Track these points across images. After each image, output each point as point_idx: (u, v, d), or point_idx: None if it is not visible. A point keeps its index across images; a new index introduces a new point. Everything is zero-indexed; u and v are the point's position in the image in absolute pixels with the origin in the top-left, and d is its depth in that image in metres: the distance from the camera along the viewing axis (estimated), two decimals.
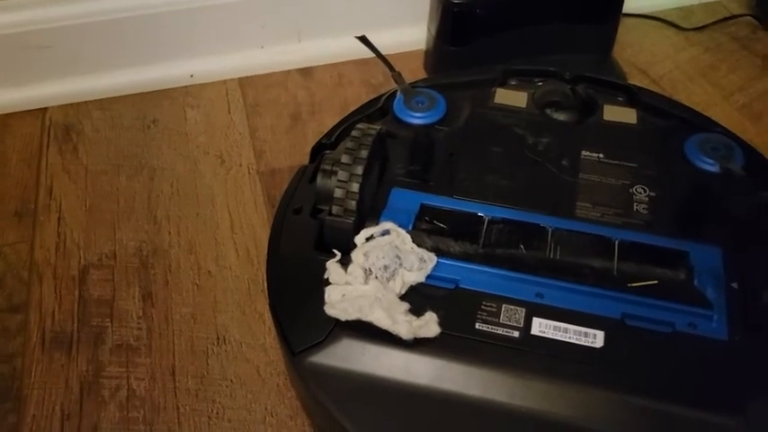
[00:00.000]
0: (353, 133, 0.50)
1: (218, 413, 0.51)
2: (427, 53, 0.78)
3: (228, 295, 0.58)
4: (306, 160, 0.58)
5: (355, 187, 0.47)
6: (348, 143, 0.49)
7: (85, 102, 0.75)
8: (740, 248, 0.48)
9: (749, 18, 0.85)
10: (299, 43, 0.79)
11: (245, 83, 0.77)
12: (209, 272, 0.60)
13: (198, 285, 0.59)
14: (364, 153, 0.48)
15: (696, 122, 0.59)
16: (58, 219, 0.64)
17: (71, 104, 0.75)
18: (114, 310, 0.57)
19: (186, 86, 0.76)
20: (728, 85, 0.77)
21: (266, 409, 0.51)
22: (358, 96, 0.75)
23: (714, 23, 0.84)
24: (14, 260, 0.61)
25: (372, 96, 0.62)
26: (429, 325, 0.43)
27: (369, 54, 0.61)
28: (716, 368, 0.43)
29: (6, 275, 0.59)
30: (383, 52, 0.62)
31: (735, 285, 0.46)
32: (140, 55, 0.75)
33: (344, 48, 0.77)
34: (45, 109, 0.74)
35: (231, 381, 0.53)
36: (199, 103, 0.75)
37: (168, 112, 0.74)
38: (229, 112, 0.74)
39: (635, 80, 0.77)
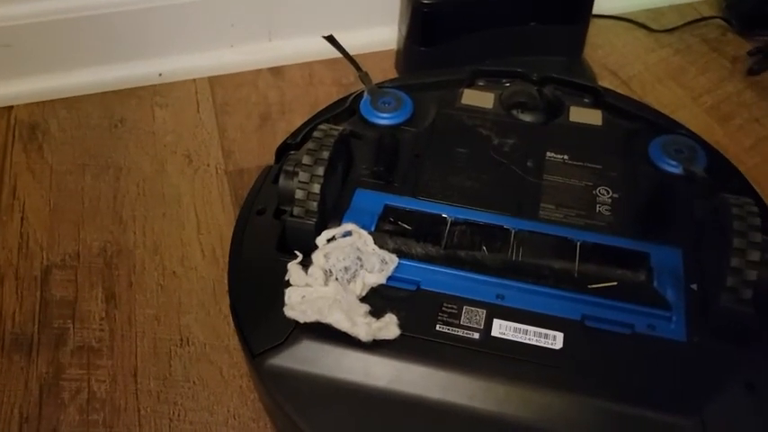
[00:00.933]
0: (315, 134, 0.49)
1: (179, 415, 0.50)
2: (398, 53, 0.78)
3: (193, 296, 0.58)
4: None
5: (316, 188, 0.47)
6: (310, 144, 0.49)
7: (51, 100, 0.74)
8: (700, 250, 0.49)
9: (719, 20, 0.86)
10: (269, 42, 0.79)
11: (214, 82, 0.77)
12: (174, 272, 0.59)
13: (162, 286, 0.58)
14: (326, 154, 0.48)
15: (661, 124, 0.59)
16: (21, 219, 0.63)
17: (37, 103, 0.74)
18: (77, 312, 0.56)
19: (154, 85, 0.76)
20: (697, 87, 0.78)
21: (229, 411, 0.51)
22: (329, 96, 0.75)
23: (684, 25, 0.85)
24: None
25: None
26: (389, 327, 0.43)
27: (340, 54, 0.61)
28: (674, 369, 0.43)
29: None
30: (354, 52, 0.61)
31: (694, 287, 0.47)
32: (108, 53, 0.75)
33: (316, 47, 0.76)
34: (10, 107, 0.73)
35: (194, 382, 0.52)
36: (167, 102, 0.74)
37: (136, 111, 0.73)
38: (198, 112, 0.73)
39: (605, 81, 0.77)
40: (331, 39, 0.61)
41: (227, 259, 0.57)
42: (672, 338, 0.44)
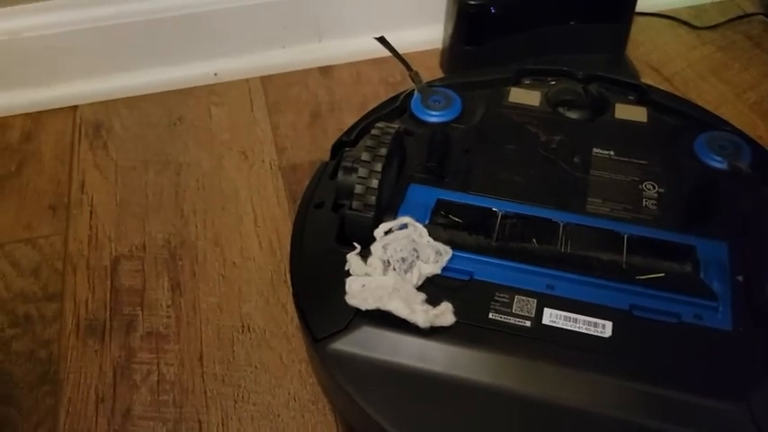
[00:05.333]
0: (373, 131, 0.52)
1: (243, 397, 0.53)
2: (443, 52, 0.80)
3: (252, 286, 0.61)
4: (325, 156, 0.60)
5: (375, 183, 0.49)
6: (368, 141, 0.51)
7: (114, 100, 0.78)
8: (746, 243, 0.50)
9: (762, 17, 0.86)
10: (319, 43, 0.82)
11: (266, 81, 0.80)
12: (234, 263, 0.62)
13: (223, 276, 0.61)
14: (383, 150, 0.50)
15: (706, 121, 0.60)
16: (90, 212, 0.67)
17: (100, 103, 0.78)
18: (144, 300, 0.60)
19: (210, 85, 0.79)
20: (740, 83, 0.78)
21: (289, 393, 0.54)
22: (376, 94, 0.77)
23: (727, 22, 0.85)
24: (49, 252, 0.64)
25: (390, 94, 0.64)
26: (445, 314, 0.46)
27: (387, 53, 0.63)
28: (720, 357, 0.44)
29: (42, 266, 0.62)
30: (400, 51, 0.64)
31: (740, 278, 0.48)
32: (166, 55, 0.78)
33: (363, 47, 0.79)
34: (75, 107, 0.77)
35: (255, 367, 0.55)
36: (223, 101, 0.78)
37: (193, 109, 0.77)
38: (252, 110, 0.77)
39: (647, 78, 0.78)
40: (382, 40, 0.63)
41: (283, 251, 0.60)
42: (718, 328, 0.46)
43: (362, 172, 0.50)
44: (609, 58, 0.78)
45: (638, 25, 0.82)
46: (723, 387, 0.43)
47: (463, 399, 0.44)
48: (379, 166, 0.49)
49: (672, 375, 0.44)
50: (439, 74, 0.79)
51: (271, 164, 0.71)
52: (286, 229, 0.64)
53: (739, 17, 0.86)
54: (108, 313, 0.59)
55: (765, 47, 0.83)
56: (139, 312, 0.59)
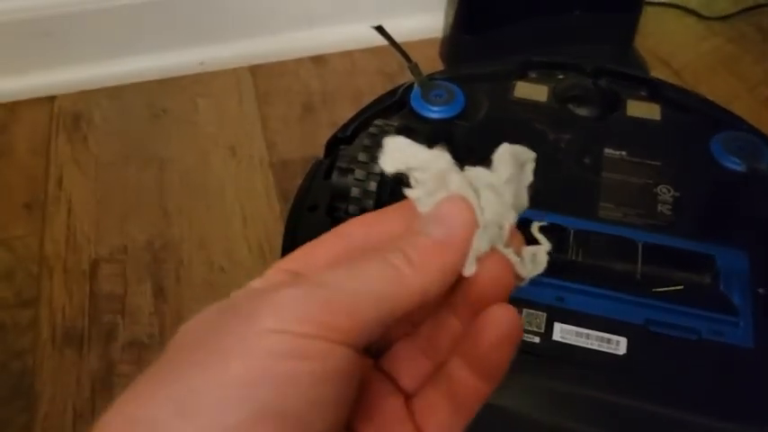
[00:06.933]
0: (371, 130, 0.48)
1: None
2: (443, 41, 0.77)
3: None
4: (318, 152, 0.56)
5: (373, 186, 0.46)
6: (365, 141, 0.47)
7: (94, 90, 0.74)
8: (766, 252, 0.47)
9: None
10: (311, 30, 0.78)
11: (256, 71, 0.76)
12: (222, 267, 0.59)
13: (210, 281, 0.58)
14: None
15: (722, 119, 0.57)
16: (68, 211, 0.63)
17: (80, 92, 0.74)
18: (126, 306, 0.56)
19: (196, 74, 0.75)
20: (752, 78, 0.75)
21: None
22: (372, 85, 0.74)
23: (738, 13, 0.82)
24: (24, 254, 0.60)
25: (387, 85, 0.61)
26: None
27: (383, 41, 0.59)
28: (742, 377, 0.42)
29: (16, 270, 0.59)
30: (398, 40, 0.60)
31: (762, 291, 0.45)
32: (150, 42, 0.74)
33: (358, 35, 0.75)
34: (53, 97, 0.73)
35: None
36: (209, 92, 0.74)
37: (178, 101, 0.73)
38: (240, 102, 0.73)
39: (656, 71, 0.75)
40: (380, 29, 0.59)
41: (273, 253, 0.56)
42: (739, 345, 0.43)
43: (359, 174, 0.46)
44: (616, 48, 0.75)
45: (646, 15, 0.79)
46: (744, 409, 0.40)
47: None
48: (377, 168, 0.46)
49: (690, 396, 0.41)
50: (438, 64, 0.76)
51: (260, 160, 0.67)
52: (276, 231, 0.60)
53: (751, 8, 0.83)
54: (86, 321, 0.55)
55: None
56: (120, 320, 0.55)
